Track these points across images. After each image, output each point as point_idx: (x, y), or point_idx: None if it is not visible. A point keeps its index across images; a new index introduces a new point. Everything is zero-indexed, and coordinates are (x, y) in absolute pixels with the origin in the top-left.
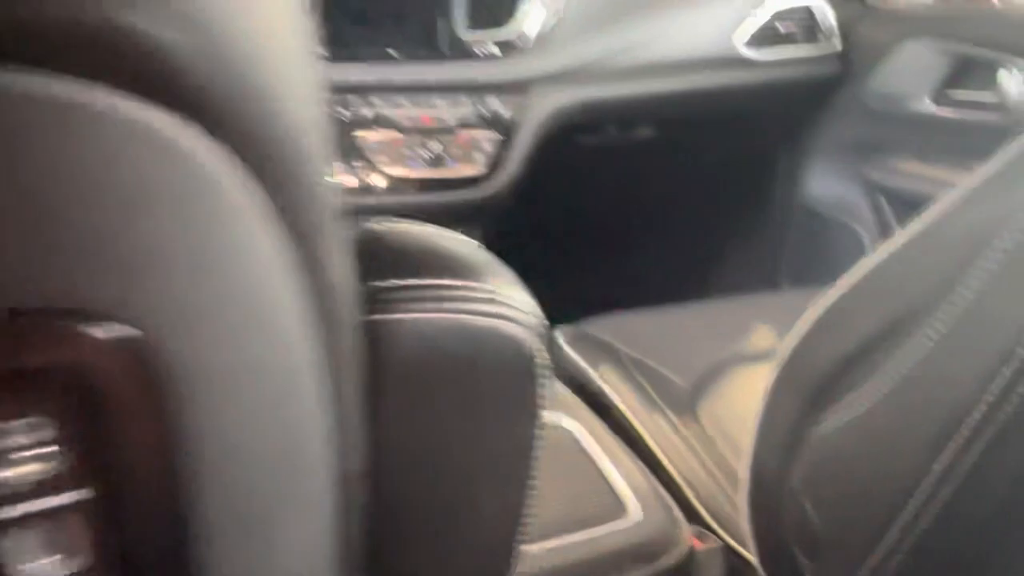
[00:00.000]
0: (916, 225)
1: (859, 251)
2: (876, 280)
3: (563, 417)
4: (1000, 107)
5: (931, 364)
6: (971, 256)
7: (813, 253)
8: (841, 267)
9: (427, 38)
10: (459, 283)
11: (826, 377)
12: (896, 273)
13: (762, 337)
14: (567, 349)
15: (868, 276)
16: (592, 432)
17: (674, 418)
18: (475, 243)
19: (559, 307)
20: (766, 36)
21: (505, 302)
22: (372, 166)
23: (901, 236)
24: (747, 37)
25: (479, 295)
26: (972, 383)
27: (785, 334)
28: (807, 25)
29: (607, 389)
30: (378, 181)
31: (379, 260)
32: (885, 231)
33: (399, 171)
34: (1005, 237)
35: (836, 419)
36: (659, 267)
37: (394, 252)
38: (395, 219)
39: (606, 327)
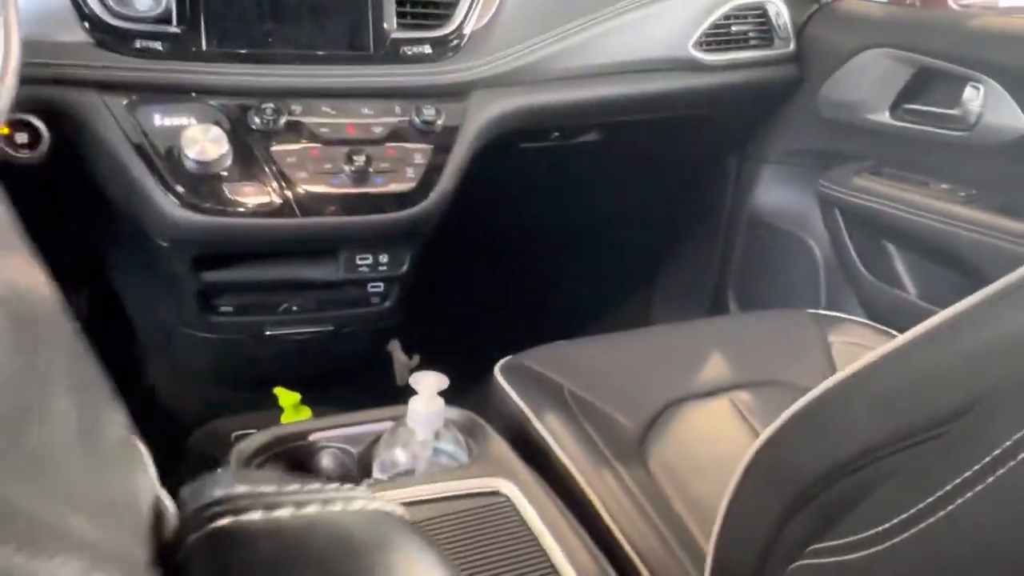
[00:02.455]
0: (939, 321)
1: (811, 264)
2: (888, 377)
3: (500, 480)
4: (963, 123)
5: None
6: None
7: (761, 266)
8: (791, 282)
9: (353, 36)
10: None
11: (809, 484)
12: (923, 370)
13: (713, 369)
14: (507, 387)
15: (874, 373)
16: (532, 497)
17: (623, 472)
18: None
19: (498, 336)
20: (718, 37)
21: None
22: (289, 183)
23: (916, 334)
24: (699, 38)
25: None
26: None
27: (733, 363)
28: (761, 26)
29: (550, 439)
30: (295, 200)
31: None
32: (838, 246)
33: (319, 188)
34: None
35: (842, 550)
36: (603, 283)
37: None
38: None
39: (548, 359)
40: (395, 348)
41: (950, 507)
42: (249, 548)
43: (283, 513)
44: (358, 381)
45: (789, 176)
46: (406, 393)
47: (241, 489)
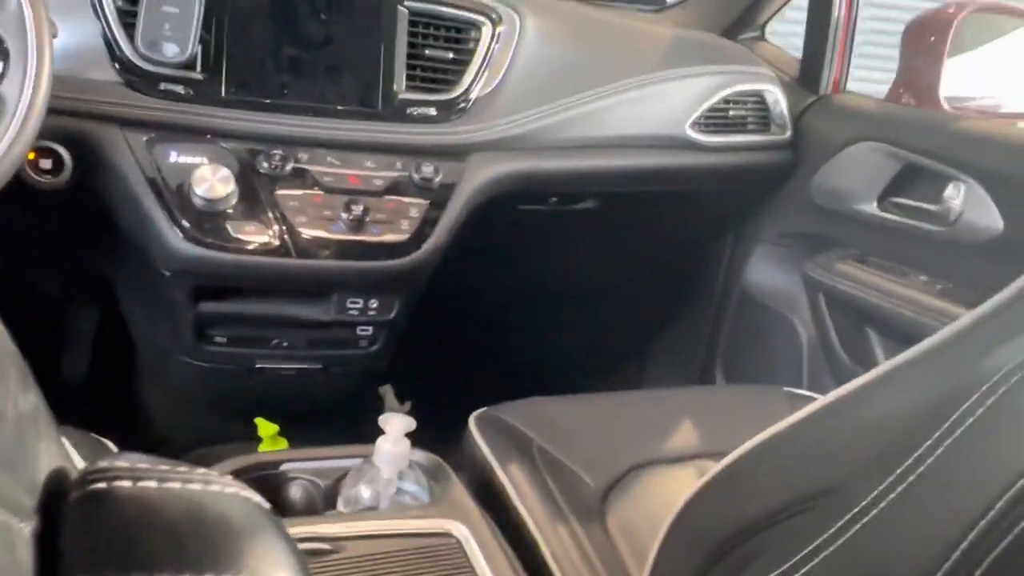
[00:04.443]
0: (832, 399)
1: (795, 343)
2: (785, 450)
3: (454, 523)
4: (944, 219)
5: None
6: (911, 437)
7: (749, 342)
8: (776, 359)
9: (363, 94)
10: None
11: (722, 542)
12: (811, 445)
13: (682, 437)
14: (477, 437)
15: (776, 444)
16: (482, 542)
17: (579, 530)
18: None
19: (488, 389)
20: (716, 120)
21: None
22: (289, 225)
23: (816, 407)
24: (696, 119)
25: None
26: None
27: (703, 433)
28: (759, 111)
29: (510, 490)
30: (294, 242)
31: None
32: (821, 328)
33: (318, 232)
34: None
35: None
36: (596, 347)
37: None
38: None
39: (523, 414)
40: (388, 392)
41: (811, 564)
42: (113, 509)
43: (148, 484)
44: (343, 420)
45: (780, 257)
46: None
47: (120, 463)
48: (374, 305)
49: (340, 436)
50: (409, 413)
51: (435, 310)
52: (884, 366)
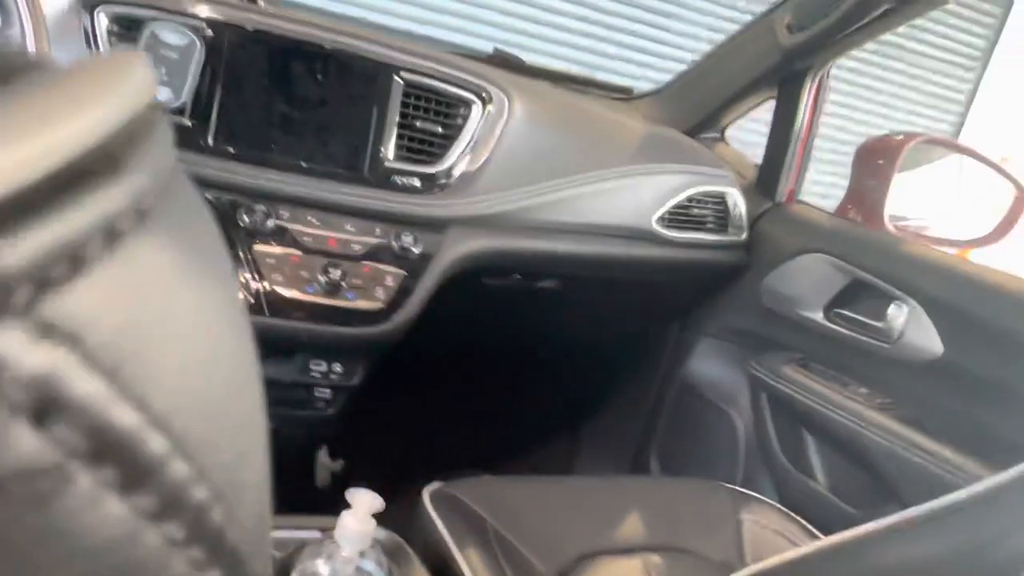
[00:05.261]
0: (835, 541)
1: (733, 439)
2: None
3: None
4: (886, 337)
5: None
6: None
7: (686, 432)
8: (712, 452)
9: (351, 158)
10: None
11: None
12: None
13: (630, 528)
14: (434, 515)
15: None
16: None
17: None
18: None
19: (426, 455)
20: (679, 217)
21: None
22: (264, 282)
23: (815, 548)
24: (662, 215)
25: None
26: None
27: (650, 525)
28: (719, 212)
29: (469, 575)
30: (267, 300)
31: None
32: (760, 426)
33: (292, 293)
34: None
35: None
36: (534, 422)
37: None
38: None
39: (477, 493)
40: (322, 453)
41: None
42: None
43: None
44: (286, 483)
45: (724, 352)
46: (321, 494)
47: None
48: (337, 370)
49: (283, 499)
50: (344, 471)
51: (381, 376)
52: (889, 519)
